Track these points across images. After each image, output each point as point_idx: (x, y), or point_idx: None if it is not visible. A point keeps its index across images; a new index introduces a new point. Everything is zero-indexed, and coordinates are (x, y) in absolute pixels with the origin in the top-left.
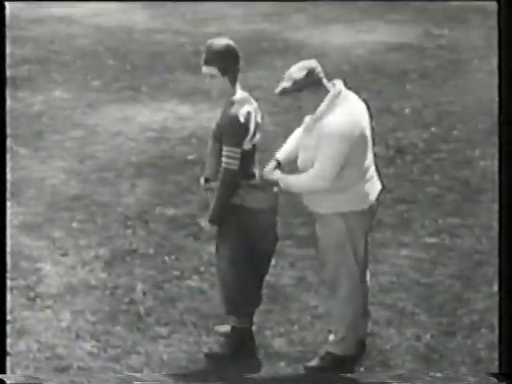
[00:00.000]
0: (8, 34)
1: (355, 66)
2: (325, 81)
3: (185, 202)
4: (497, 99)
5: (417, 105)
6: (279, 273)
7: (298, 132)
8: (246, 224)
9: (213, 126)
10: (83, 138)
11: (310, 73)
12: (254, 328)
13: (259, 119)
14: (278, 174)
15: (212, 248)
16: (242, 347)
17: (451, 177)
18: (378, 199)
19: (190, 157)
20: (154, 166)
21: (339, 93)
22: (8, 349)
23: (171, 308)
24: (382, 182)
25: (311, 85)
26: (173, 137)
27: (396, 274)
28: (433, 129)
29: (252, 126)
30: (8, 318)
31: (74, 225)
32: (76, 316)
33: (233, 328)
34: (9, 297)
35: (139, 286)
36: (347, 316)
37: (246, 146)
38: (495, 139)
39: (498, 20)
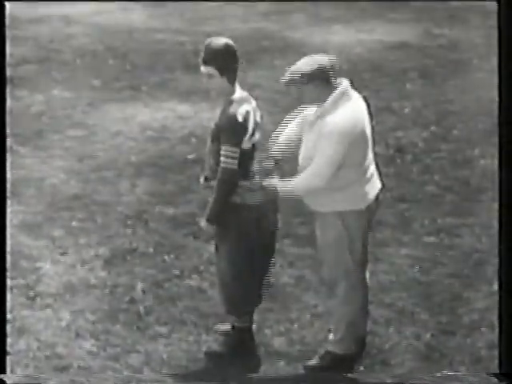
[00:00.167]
0: (8, 33)
1: (355, 64)
2: (333, 79)
3: (185, 201)
4: (497, 99)
5: (417, 104)
6: (279, 272)
7: (293, 124)
8: (246, 222)
9: (212, 125)
10: (83, 138)
11: (319, 69)
12: (253, 327)
13: (258, 118)
14: (276, 182)
15: (212, 247)
16: (241, 346)
17: (451, 176)
18: (377, 198)
19: (189, 156)
20: (153, 165)
21: (344, 92)
22: (8, 348)
23: (171, 307)
24: (382, 181)
25: (317, 80)
26: (173, 136)
27: (396, 273)
28: (433, 128)
29: (251, 126)
30: (8, 317)
31: (74, 224)
32: (76, 315)
33: (233, 327)
34: (9, 296)
35: (139, 285)
36: (346, 315)
37: (245, 145)
38: (495, 139)
39: (498, 20)
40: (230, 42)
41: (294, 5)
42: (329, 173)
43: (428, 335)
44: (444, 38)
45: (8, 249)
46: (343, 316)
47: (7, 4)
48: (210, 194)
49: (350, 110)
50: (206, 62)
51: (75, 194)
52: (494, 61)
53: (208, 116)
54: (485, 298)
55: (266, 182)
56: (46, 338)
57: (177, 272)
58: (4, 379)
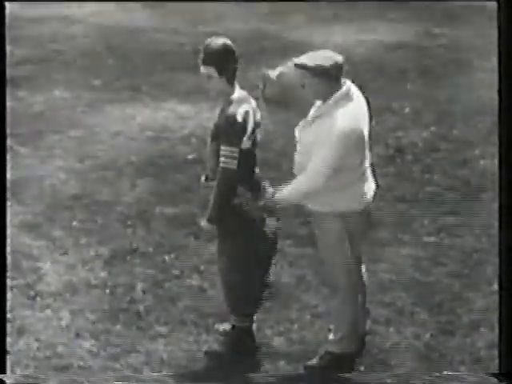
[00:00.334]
0: (8, 33)
1: (355, 65)
2: (342, 80)
3: (185, 201)
4: (497, 99)
5: (417, 104)
6: (279, 272)
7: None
8: (247, 222)
9: (211, 125)
10: (83, 138)
11: (334, 66)
12: (253, 327)
13: (258, 118)
14: (274, 195)
15: (212, 247)
16: (241, 346)
17: (451, 176)
18: (373, 199)
19: (189, 156)
20: (153, 165)
21: (347, 93)
22: (8, 348)
23: (171, 307)
24: (379, 181)
25: (327, 76)
26: (173, 136)
27: (395, 273)
28: (433, 128)
29: (250, 125)
30: (8, 316)
31: (74, 224)
32: (76, 315)
33: (233, 327)
34: (9, 296)
35: (139, 285)
36: (347, 315)
37: (245, 145)
38: (495, 139)
39: (498, 20)
40: (229, 42)
41: (294, 5)
42: (325, 175)
43: (428, 335)
44: (444, 37)
45: (8, 249)
46: (343, 316)
47: (7, 4)
48: (210, 194)
49: (351, 111)
50: (205, 63)
51: (75, 194)
52: (494, 61)
53: (208, 116)
54: (485, 297)
55: (264, 198)
56: (46, 337)
57: (177, 272)
58: (4, 379)
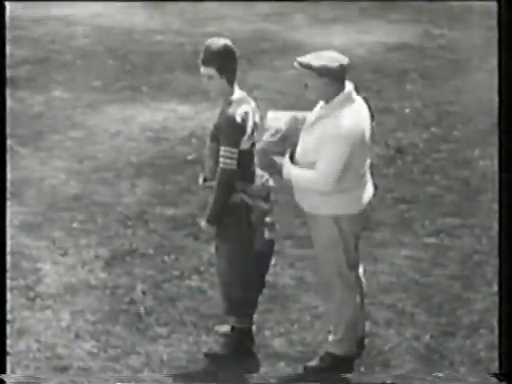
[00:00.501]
0: (8, 34)
1: (355, 65)
2: (346, 82)
3: (185, 201)
4: (497, 99)
5: (417, 105)
6: (279, 273)
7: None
8: (246, 223)
9: (210, 126)
10: (83, 138)
11: (340, 68)
12: (253, 328)
13: (258, 119)
14: (285, 160)
15: (212, 248)
16: (241, 347)
17: (451, 177)
18: (370, 203)
19: (189, 157)
20: (153, 165)
21: (349, 95)
22: (8, 349)
23: (171, 308)
24: (379, 182)
25: (333, 78)
26: (173, 137)
27: (395, 274)
28: (433, 129)
29: (249, 126)
30: (8, 317)
31: (74, 225)
32: (76, 316)
33: (232, 328)
34: (9, 296)
35: (139, 286)
36: (345, 316)
37: (244, 145)
38: (495, 139)
39: (498, 20)
40: (229, 43)
41: (294, 5)
42: (335, 177)
43: (428, 336)
44: (444, 38)
45: (8, 249)
46: (342, 317)
47: (7, 4)
48: (209, 195)
49: (355, 112)
50: (205, 63)
51: (75, 194)
52: (494, 61)
53: (208, 116)
54: (485, 299)
55: (276, 159)
56: (46, 338)
57: (177, 273)
58: (4, 379)
